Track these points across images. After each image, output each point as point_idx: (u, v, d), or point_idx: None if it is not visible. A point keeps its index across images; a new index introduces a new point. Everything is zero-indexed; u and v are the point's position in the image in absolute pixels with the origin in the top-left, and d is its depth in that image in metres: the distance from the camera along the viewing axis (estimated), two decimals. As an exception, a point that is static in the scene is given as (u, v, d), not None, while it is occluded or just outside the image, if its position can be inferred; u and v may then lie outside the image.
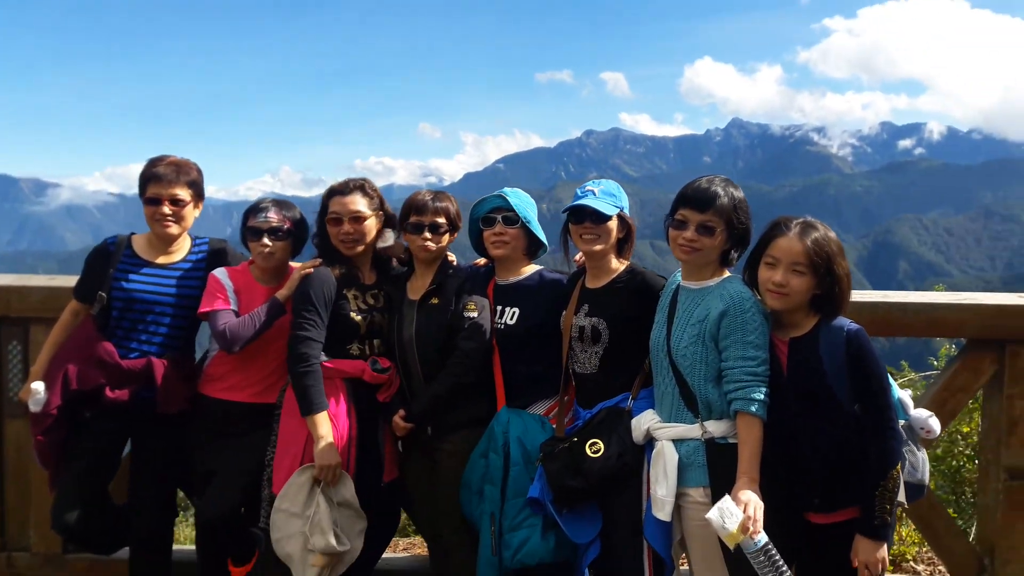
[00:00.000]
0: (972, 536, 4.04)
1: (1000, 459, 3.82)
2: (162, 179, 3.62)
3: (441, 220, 3.59)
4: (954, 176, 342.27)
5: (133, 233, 3.83)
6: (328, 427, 3.42)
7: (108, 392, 3.53)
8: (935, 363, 7.31)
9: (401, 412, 3.56)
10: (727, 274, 3.10)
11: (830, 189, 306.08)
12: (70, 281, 3.95)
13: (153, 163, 3.69)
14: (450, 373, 3.49)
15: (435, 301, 3.59)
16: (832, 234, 2.94)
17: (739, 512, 2.66)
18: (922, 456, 3.01)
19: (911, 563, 4.72)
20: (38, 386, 3.53)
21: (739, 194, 3.04)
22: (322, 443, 3.39)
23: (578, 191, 3.41)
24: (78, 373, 3.54)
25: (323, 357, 3.50)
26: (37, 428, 3.56)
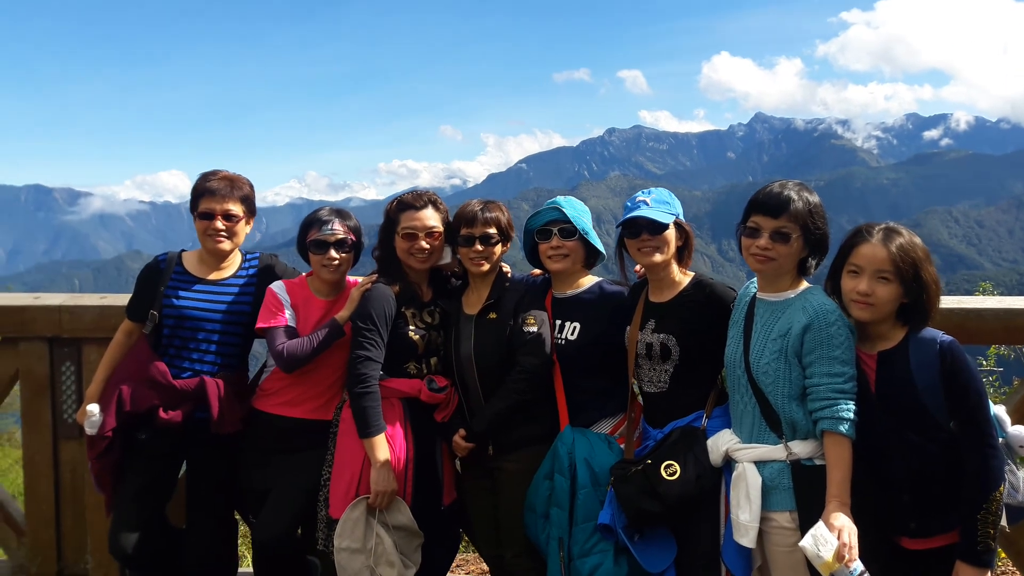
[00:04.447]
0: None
1: (1088, 472, 3.61)
2: (215, 194, 3.57)
3: (492, 231, 3.47)
4: (983, 166, 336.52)
5: (184, 250, 3.77)
6: (385, 450, 3.32)
7: (161, 413, 3.47)
8: (983, 363, 7.05)
9: (461, 431, 3.44)
10: (806, 284, 2.95)
11: (856, 182, 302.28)
12: (122, 299, 3.89)
13: (205, 177, 3.63)
14: (512, 390, 3.37)
15: (493, 316, 3.48)
16: (917, 239, 2.78)
17: (833, 539, 2.53)
18: (1022, 476, 2.82)
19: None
20: (93, 408, 3.48)
21: (814, 199, 2.89)
22: (379, 468, 3.30)
23: (628, 203, 3.27)
24: (132, 394, 3.48)
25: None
26: (93, 451, 3.51)
